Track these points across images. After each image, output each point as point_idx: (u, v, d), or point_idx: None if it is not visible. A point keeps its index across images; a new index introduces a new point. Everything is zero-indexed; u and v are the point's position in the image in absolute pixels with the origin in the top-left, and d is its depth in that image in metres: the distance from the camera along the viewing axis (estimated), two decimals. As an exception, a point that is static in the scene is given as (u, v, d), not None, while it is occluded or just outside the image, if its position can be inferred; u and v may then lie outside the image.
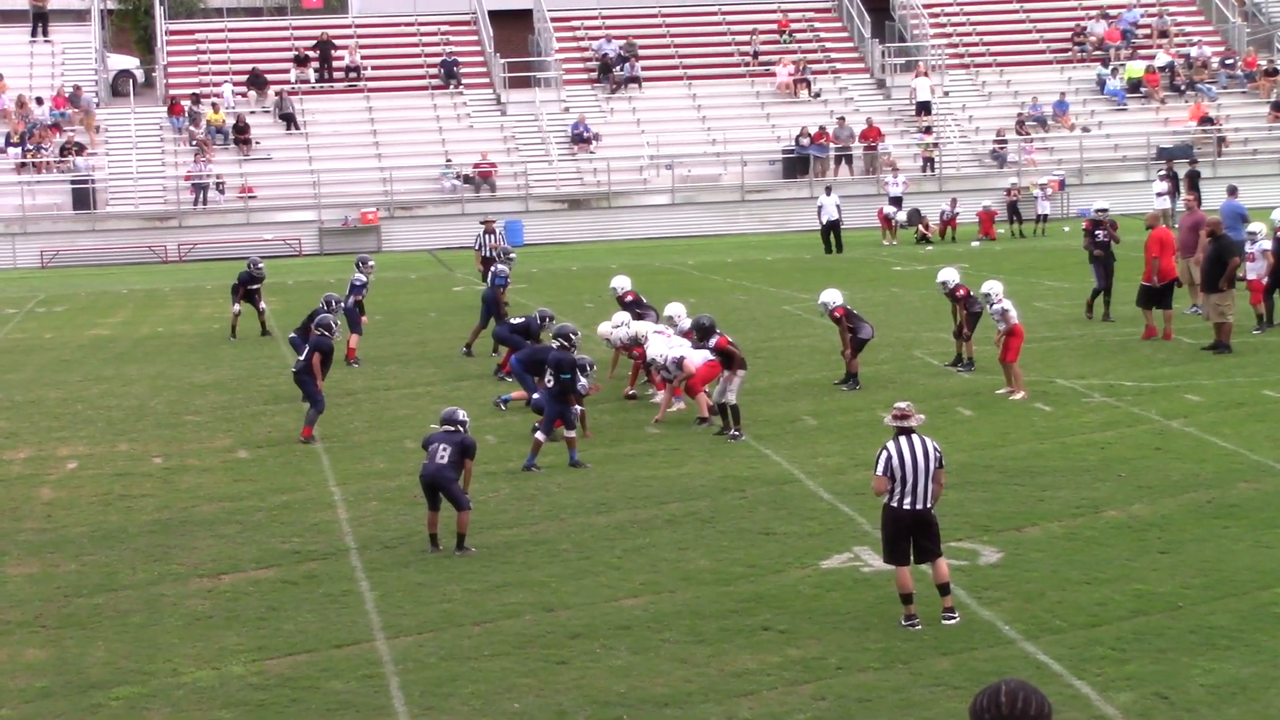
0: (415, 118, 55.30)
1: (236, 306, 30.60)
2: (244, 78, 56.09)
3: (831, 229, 44.30)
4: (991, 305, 22.04)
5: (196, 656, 12.96)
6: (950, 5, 60.73)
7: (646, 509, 16.95)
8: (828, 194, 45.18)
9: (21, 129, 52.56)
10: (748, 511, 16.70)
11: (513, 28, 59.11)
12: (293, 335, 24.95)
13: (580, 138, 54.16)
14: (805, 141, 53.82)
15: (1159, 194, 44.92)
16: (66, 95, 54.14)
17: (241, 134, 53.53)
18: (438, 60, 57.27)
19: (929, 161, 53.96)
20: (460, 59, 57.41)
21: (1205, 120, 55.43)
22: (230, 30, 59.53)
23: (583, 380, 19.41)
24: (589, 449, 19.59)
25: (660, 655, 12.59)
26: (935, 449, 12.94)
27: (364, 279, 27.73)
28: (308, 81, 56.45)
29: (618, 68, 57.18)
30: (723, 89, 57.43)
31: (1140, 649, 12.34)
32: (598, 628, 13.26)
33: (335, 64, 56.90)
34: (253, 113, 54.88)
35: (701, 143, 54.54)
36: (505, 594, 14.23)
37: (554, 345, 19.77)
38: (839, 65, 58.97)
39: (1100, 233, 28.26)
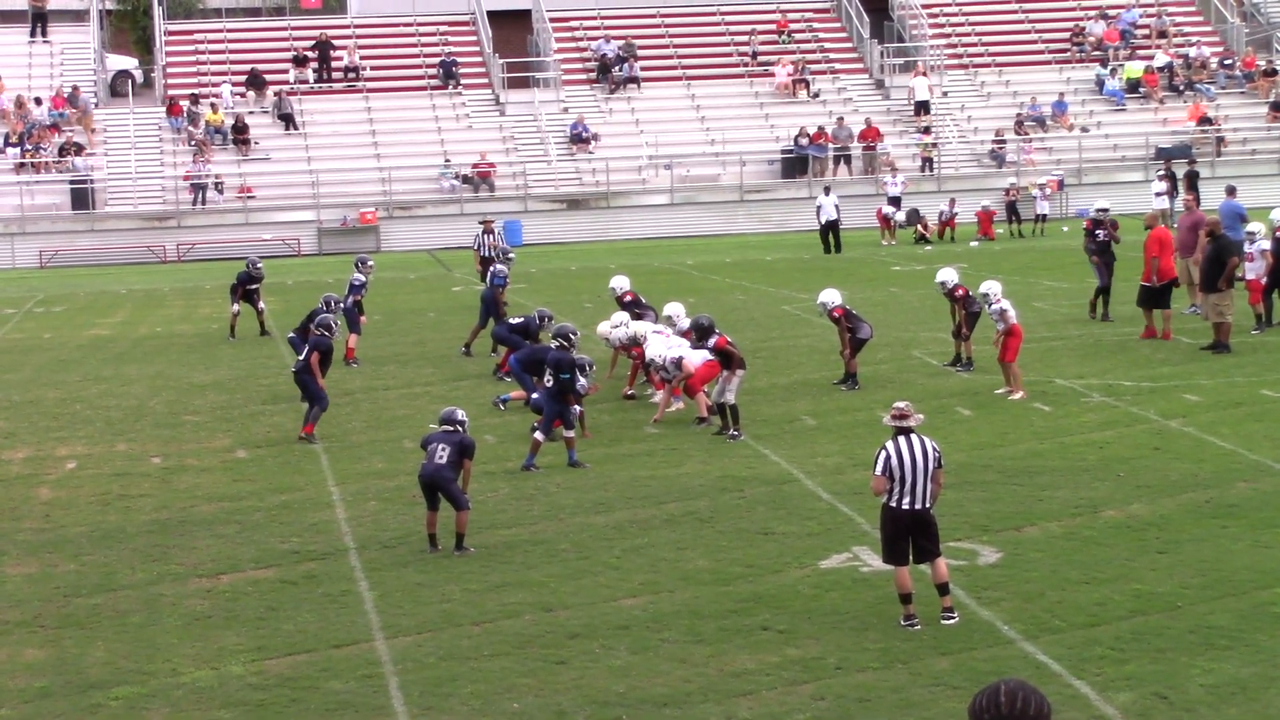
0: (414, 118, 55.30)
1: (235, 306, 30.60)
2: (243, 78, 56.08)
3: (830, 229, 44.30)
4: (990, 305, 22.05)
5: (196, 656, 12.95)
6: (949, 5, 60.73)
7: (645, 509, 16.95)
8: (826, 194, 45.19)
9: (20, 129, 52.56)
10: (746, 511, 16.70)
11: (511, 28, 59.11)
12: (292, 335, 24.95)
13: (579, 138, 54.16)
14: (804, 142, 53.83)
15: (1158, 194, 44.93)
16: (65, 95, 54.13)
17: (240, 134, 53.53)
18: (436, 60, 57.27)
19: (928, 162, 53.97)
20: (459, 59, 57.41)
21: (1204, 120, 55.44)
22: (229, 30, 59.53)
23: (582, 380, 19.41)
24: (588, 449, 19.59)
25: (659, 655, 12.59)
26: (934, 449, 12.94)
27: (363, 279, 27.73)
28: (306, 82, 56.45)
29: (616, 68, 57.18)
30: (721, 89, 57.43)
31: (1139, 649, 12.34)
32: (597, 628, 13.26)
33: (334, 64, 56.90)
34: (251, 113, 54.87)
35: (700, 143, 54.55)
36: (504, 594, 14.23)
37: (553, 345, 19.77)
38: (838, 65, 58.98)
39: (1101, 232, 28.26)
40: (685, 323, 21.98)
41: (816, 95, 57.10)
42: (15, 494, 18.88)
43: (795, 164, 53.65)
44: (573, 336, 19.64)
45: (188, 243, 50.21)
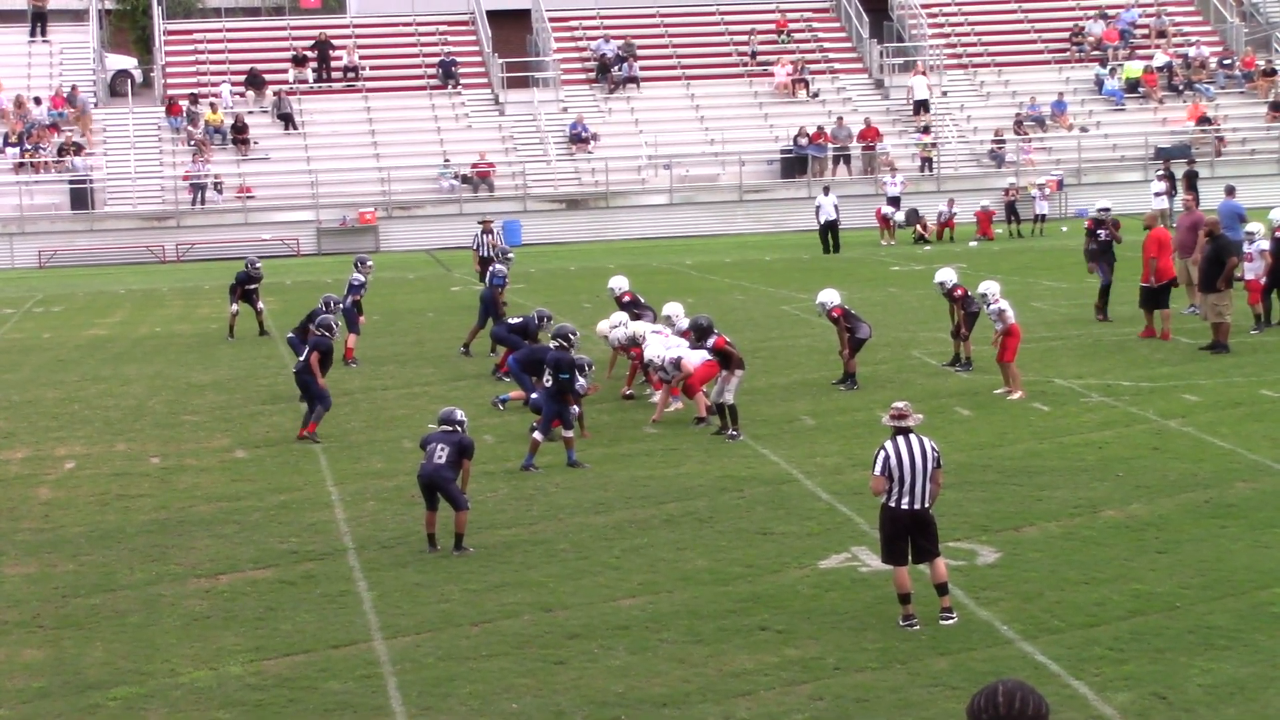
0: (413, 118, 55.30)
1: (234, 306, 30.59)
2: (242, 78, 56.09)
3: (829, 229, 44.31)
4: (988, 305, 22.05)
5: (194, 657, 12.95)
6: (948, 5, 60.74)
7: (644, 509, 16.95)
8: (825, 194, 45.19)
9: (20, 129, 52.56)
10: (746, 511, 16.70)
11: (511, 28, 59.11)
12: (291, 335, 24.96)
13: (578, 138, 54.16)
14: (803, 141, 53.84)
15: (1157, 194, 44.94)
16: (64, 95, 54.12)
17: (239, 134, 53.53)
18: (436, 60, 57.28)
19: (927, 161, 53.98)
20: (458, 59, 57.41)
21: (1203, 120, 55.46)
22: (228, 30, 59.53)
23: (581, 380, 19.41)
24: (587, 449, 19.59)
25: (658, 655, 12.58)
26: (933, 449, 12.94)
27: (362, 279, 27.73)
28: (306, 81, 56.45)
29: (616, 68, 57.18)
30: (721, 89, 57.44)
31: (1138, 649, 12.34)
32: (596, 628, 13.26)
33: (333, 64, 56.90)
34: (251, 113, 54.88)
35: (700, 143, 54.55)
36: (503, 594, 14.23)
37: (553, 345, 19.76)
38: (837, 65, 58.98)
39: (1103, 232, 28.24)
40: (684, 323, 21.98)
41: (816, 95, 57.11)
42: (14, 494, 18.88)
43: (794, 164, 53.66)
44: (572, 337, 19.64)
45: (187, 243, 50.22)
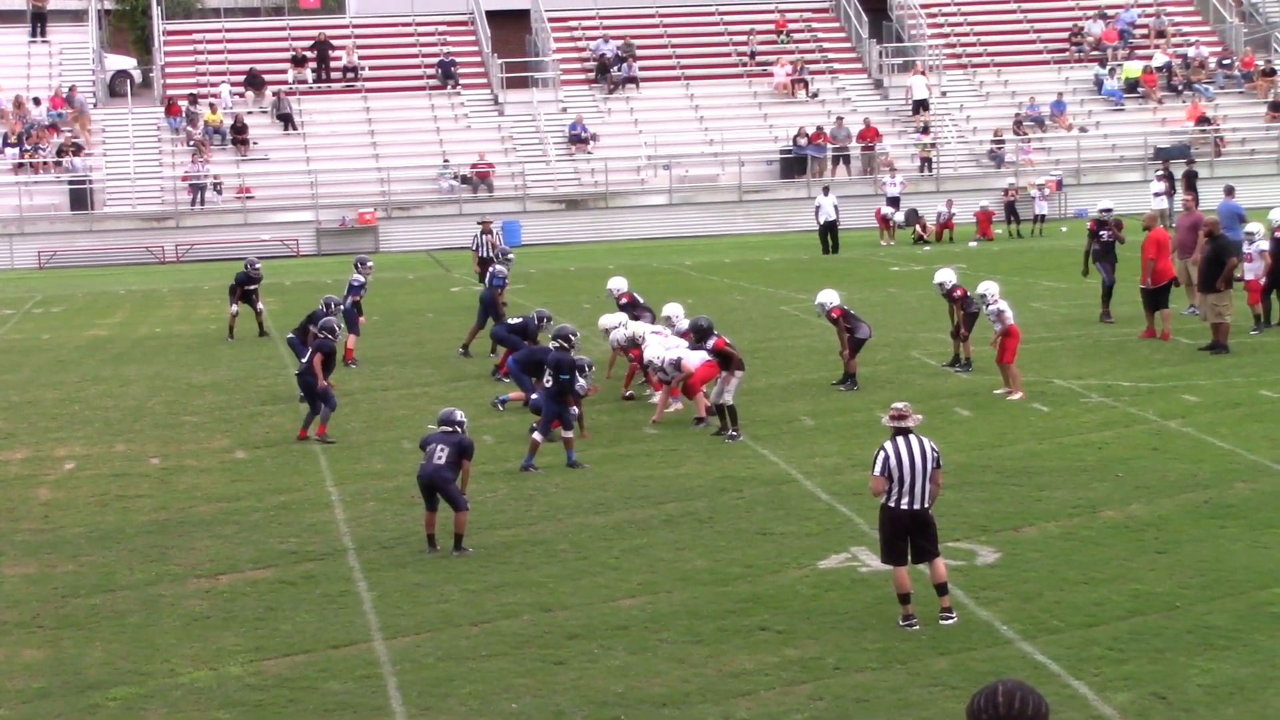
0: (413, 118, 55.31)
1: (234, 307, 30.60)
2: (241, 78, 56.10)
3: (829, 229, 44.31)
4: (987, 306, 22.06)
5: (194, 657, 12.95)
6: (948, 5, 60.76)
7: (644, 509, 16.95)
8: (825, 194, 45.19)
9: (19, 129, 52.56)
10: (745, 512, 16.70)
11: (510, 28, 59.13)
12: (290, 336, 24.95)
13: (578, 138, 54.17)
14: (803, 142, 53.85)
15: (1156, 194, 44.95)
16: (64, 96, 54.12)
17: (239, 134, 53.53)
18: (435, 60, 57.29)
19: (926, 162, 53.99)
20: (458, 59, 57.42)
21: (1202, 120, 55.48)
22: (228, 30, 59.54)
23: (581, 381, 19.41)
24: (586, 449, 19.59)
25: (658, 655, 12.59)
26: (933, 449, 12.94)
27: (362, 280, 27.73)
28: (305, 82, 56.46)
29: (615, 68, 57.19)
30: (720, 89, 57.45)
31: (1138, 649, 12.34)
32: (595, 628, 13.26)
33: (333, 64, 56.91)
34: (250, 113, 54.89)
35: (699, 143, 54.56)
36: (503, 594, 14.23)
37: (553, 346, 19.76)
38: (836, 65, 59.00)
39: (1105, 233, 28.23)
40: (684, 323, 21.98)
41: (815, 95, 57.12)
42: (14, 494, 18.88)
43: (794, 164, 53.68)
44: (573, 338, 19.64)
45: (186, 243, 50.23)
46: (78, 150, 51.92)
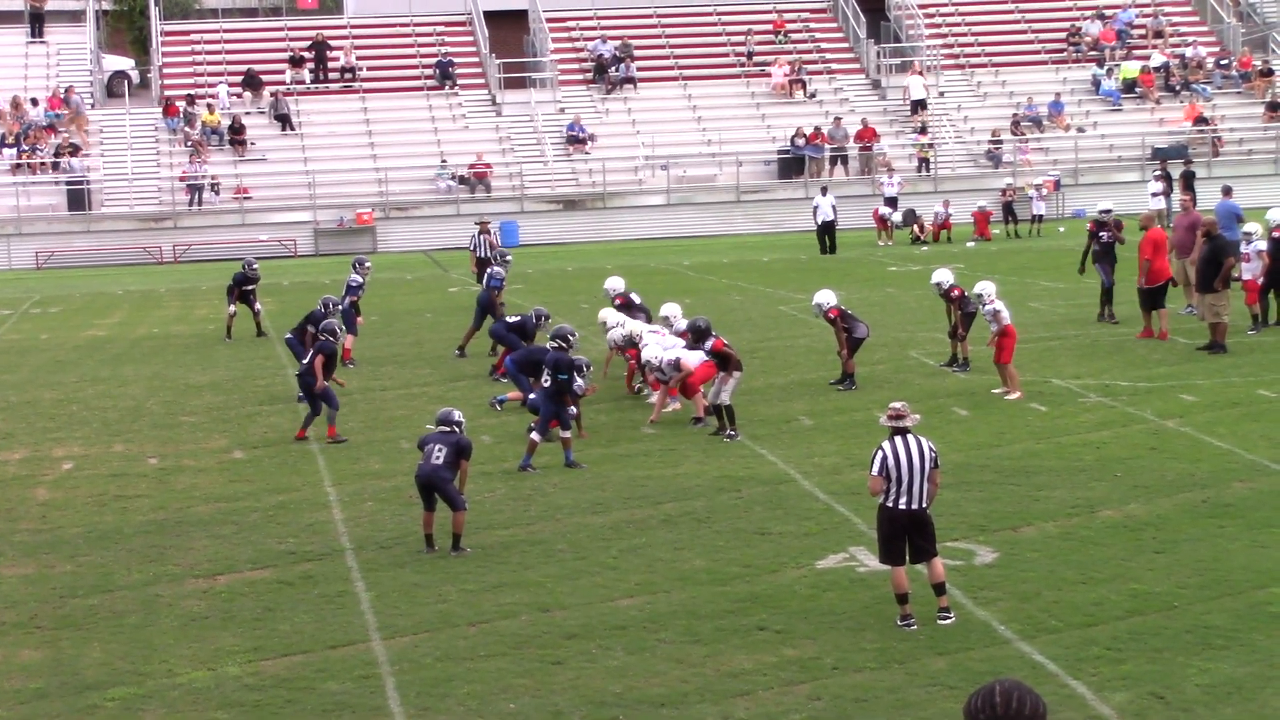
0: (410, 118, 55.31)
1: (232, 307, 30.59)
2: (239, 78, 56.08)
3: (827, 229, 44.31)
4: (984, 306, 22.06)
5: (192, 657, 12.95)
6: (945, 6, 60.77)
7: (642, 509, 16.95)
8: (823, 194, 45.20)
9: (17, 130, 52.54)
10: (743, 511, 16.70)
11: (508, 28, 59.13)
12: (289, 336, 24.96)
13: (576, 138, 54.17)
14: (800, 142, 53.86)
15: (1154, 194, 44.96)
16: (61, 96, 54.11)
17: (237, 135, 53.52)
18: (433, 61, 57.29)
19: (924, 162, 54.00)
20: (455, 59, 57.42)
21: (1200, 120, 55.50)
22: (225, 31, 59.54)
23: (579, 381, 19.41)
24: (584, 449, 19.59)
25: (656, 655, 12.58)
26: (930, 449, 12.94)
27: (360, 280, 27.74)
28: (303, 82, 56.45)
29: (613, 68, 57.19)
30: (718, 89, 57.46)
31: (1136, 649, 12.34)
32: (594, 628, 13.25)
33: (330, 65, 56.90)
34: (248, 113, 54.88)
35: (697, 143, 54.57)
36: (501, 594, 14.23)
37: (551, 346, 19.76)
38: (834, 66, 59.01)
39: (1105, 234, 28.22)
40: (682, 324, 21.98)
41: (813, 96, 57.13)
42: (12, 495, 18.87)
43: (792, 164, 53.69)
44: (571, 338, 19.64)
45: (184, 244, 50.23)
46: (75, 151, 51.90)
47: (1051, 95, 56.62)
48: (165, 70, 56.93)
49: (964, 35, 59.97)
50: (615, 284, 25.32)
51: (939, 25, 59.83)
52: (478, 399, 22.96)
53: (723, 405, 20.13)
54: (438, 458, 15.43)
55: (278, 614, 13.96)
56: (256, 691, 12.18)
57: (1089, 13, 60.98)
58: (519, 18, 59.49)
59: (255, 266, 31.09)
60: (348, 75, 56.80)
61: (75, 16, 61.49)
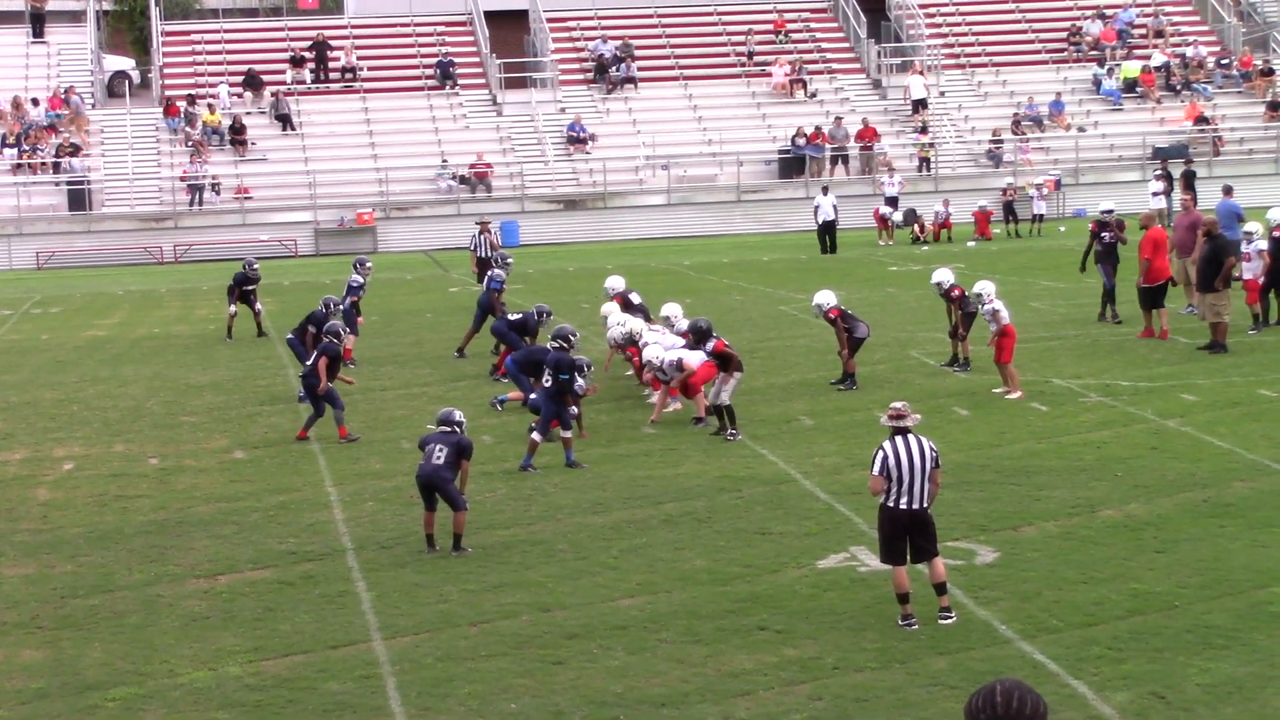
0: (411, 118, 55.31)
1: (232, 308, 30.60)
2: (240, 79, 56.08)
3: (827, 229, 44.30)
4: (983, 306, 22.06)
5: (193, 657, 12.95)
6: (946, 5, 60.77)
7: (643, 509, 16.95)
8: (825, 194, 45.19)
9: (17, 130, 52.55)
10: (744, 511, 16.70)
11: (508, 28, 59.13)
12: (290, 337, 24.97)
13: (576, 138, 54.17)
14: (801, 142, 53.84)
15: (1155, 194, 44.95)
16: (62, 96, 54.12)
17: (237, 135, 53.53)
18: (433, 61, 57.29)
19: (925, 162, 53.99)
20: (456, 59, 57.41)
21: (1201, 120, 55.49)
22: (226, 31, 59.54)
23: (580, 381, 19.41)
24: (585, 449, 19.59)
25: (657, 655, 12.58)
26: (931, 449, 12.94)
27: (361, 280, 27.77)
28: (303, 82, 56.45)
29: (614, 68, 57.18)
30: (719, 89, 57.45)
31: (1137, 648, 12.34)
32: (594, 628, 13.25)
33: (331, 65, 56.90)
34: (248, 113, 54.88)
35: (697, 143, 54.56)
36: (502, 594, 14.23)
37: (552, 346, 19.76)
38: (835, 65, 59.00)
39: (1107, 234, 28.21)
40: (683, 324, 21.98)
41: (814, 95, 57.13)
42: (12, 495, 18.87)
43: (792, 164, 53.69)
44: (572, 338, 19.65)
45: (185, 244, 50.23)
46: (76, 151, 51.91)
47: (1052, 95, 56.61)
48: (166, 70, 56.93)
49: (964, 35, 59.97)
50: (615, 282, 25.33)
51: (939, 25, 59.83)
52: (478, 399, 22.96)
53: (722, 406, 20.13)
54: (439, 458, 15.44)
55: (279, 614, 13.96)
56: (257, 691, 12.18)
57: (1089, 12, 60.98)
58: (519, 17, 59.49)
59: (256, 266, 31.09)
60: (348, 75, 56.80)
61: (76, 17, 61.49)
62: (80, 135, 52.90)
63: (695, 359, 20.80)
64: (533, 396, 20.42)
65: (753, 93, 57.44)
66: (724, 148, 53.77)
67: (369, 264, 28.83)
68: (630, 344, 22.83)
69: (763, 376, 23.91)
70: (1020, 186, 50.27)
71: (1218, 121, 55.95)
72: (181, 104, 54.26)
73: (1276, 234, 26.43)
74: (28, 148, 51.93)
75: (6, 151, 52.07)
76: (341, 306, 25.91)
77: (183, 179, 51.63)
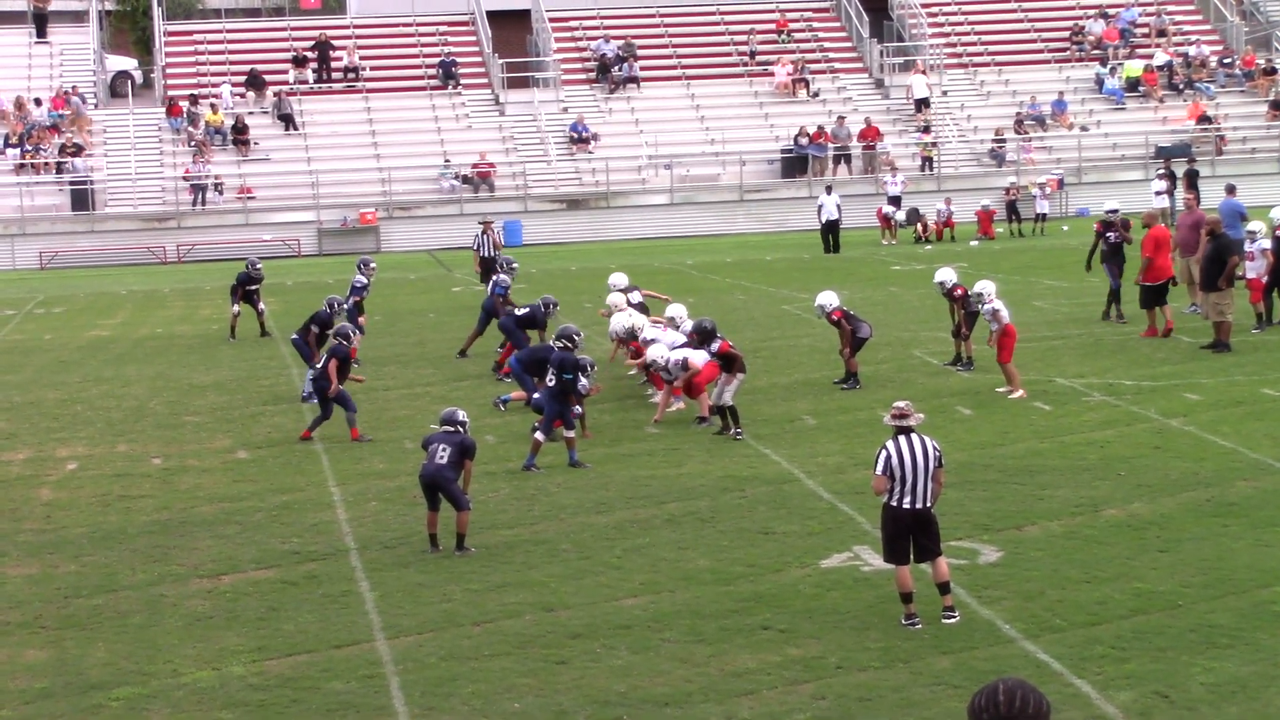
0: (414, 118, 55.31)
1: (235, 307, 30.61)
2: (242, 78, 56.10)
3: (830, 229, 44.30)
4: (983, 305, 22.06)
5: (196, 657, 12.95)
6: (948, 5, 60.76)
7: (646, 509, 16.96)
8: (828, 193, 45.18)
9: (20, 130, 52.57)
10: (747, 511, 16.70)
11: (511, 28, 59.13)
12: (294, 337, 24.98)
13: (579, 138, 54.16)
14: (804, 141, 53.83)
15: (1157, 193, 44.93)
16: (65, 96, 54.14)
17: (240, 135, 53.54)
18: (436, 60, 57.29)
19: (928, 161, 53.98)
20: (458, 59, 57.42)
21: (1203, 119, 55.47)
22: (229, 31, 59.54)
23: (584, 381, 19.41)
24: (588, 449, 19.59)
25: (660, 655, 12.59)
26: (934, 448, 12.94)
27: (365, 280, 27.78)
28: (306, 82, 56.46)
29: (616, 68, 57.18)
30: (721, 89, 57.44)
31: (1140, 648, 12.34)
32: (598, 627, 13.26)
33: (334, 64, 56.92)
34: (251, 113, 54.90)
35: (700, 142, 54.56)
36: (505, 594, 14.23)
37: (556, 345, 19.76)
38: (837, 65, 58.99)
39: (1112, 234, 28.18)
40: (688, 324, 21.99)
41: (816, 95, 57.11)
42: (16, 495, 18.88)
43: (795, 164, 53.68)
44: (576, 338, 19.66)
45: (188, 243, 50.24)
46: (79, 151, 51.93)
47: (1055, 94, 56.59)
48: (168, 70, 56.95)
49: (967, 34, 59.95)
50: (618, 279, 25.36)
51: (942, 24, 59.81)
52: (481, 399, 22.96)
53: (725, 406, 20.14)
54: (442, 457, 15.45)
55: (282, 614, 13.97)
56: (261, 691, 12.18)
57: (1092, 11, 60.95)
58: (522, 17, 59.49)
59: (259, 266, 31.10)
60: (351, 75, 56.81)
61: (79, 17, 61.50)
62: (83, 135, 52.92)
63: (700, 358, 20.81)
64: (536, 396, 20.43)
65: (755, 92, 57.44)
66: (726, 147, 53.76)
67: (373, 264, 28.85)
68: (631, 338, 22.86)
69: (766, 376, 23.91)
70: (1023, 186, 50.26)
71: (1220, 120, 55.93)
72: (184, 104, 54.28)
73: (1279, 233, 26.42)
74: (31, 148, 51.94)
75: (9, 151, 52.09)
76: (345, 306, 25.91)
77: (185, 179, 51.64)
